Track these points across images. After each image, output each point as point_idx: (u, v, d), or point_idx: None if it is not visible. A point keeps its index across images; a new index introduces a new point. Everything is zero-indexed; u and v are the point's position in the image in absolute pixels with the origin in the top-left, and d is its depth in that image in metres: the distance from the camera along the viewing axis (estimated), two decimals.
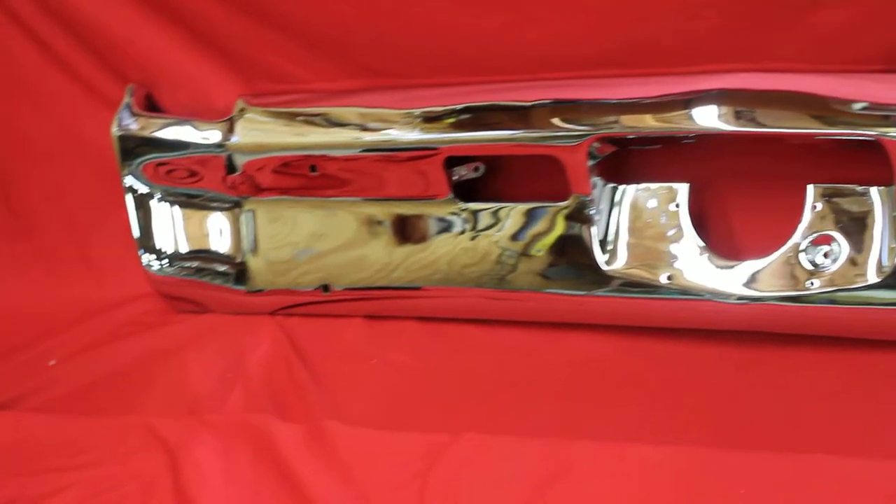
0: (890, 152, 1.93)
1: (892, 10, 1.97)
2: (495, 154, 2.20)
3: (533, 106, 2.13)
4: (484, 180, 2.29)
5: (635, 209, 2.13)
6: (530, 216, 2.20)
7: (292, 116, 2.32)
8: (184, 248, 2.47)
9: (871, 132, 1.93)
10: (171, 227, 2.47)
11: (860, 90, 1.97)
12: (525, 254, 2.21)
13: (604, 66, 2.12)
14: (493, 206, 2.23)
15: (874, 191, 1.99)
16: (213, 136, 2.36)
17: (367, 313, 2.38)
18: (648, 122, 2.06)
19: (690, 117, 2.02)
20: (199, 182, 2.40)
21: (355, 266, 2.35)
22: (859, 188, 2.01)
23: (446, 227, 2.27)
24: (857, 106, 1.94)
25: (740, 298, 2.05)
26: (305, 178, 2.31)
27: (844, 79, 2.00)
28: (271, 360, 2.26)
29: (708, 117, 2.01)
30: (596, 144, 2.09)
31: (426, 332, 2.29)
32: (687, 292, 2.07)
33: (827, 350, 2.05)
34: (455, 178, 2.24)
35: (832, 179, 2.04)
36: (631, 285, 2.12)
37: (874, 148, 1.94)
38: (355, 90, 2.33)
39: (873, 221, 1.99)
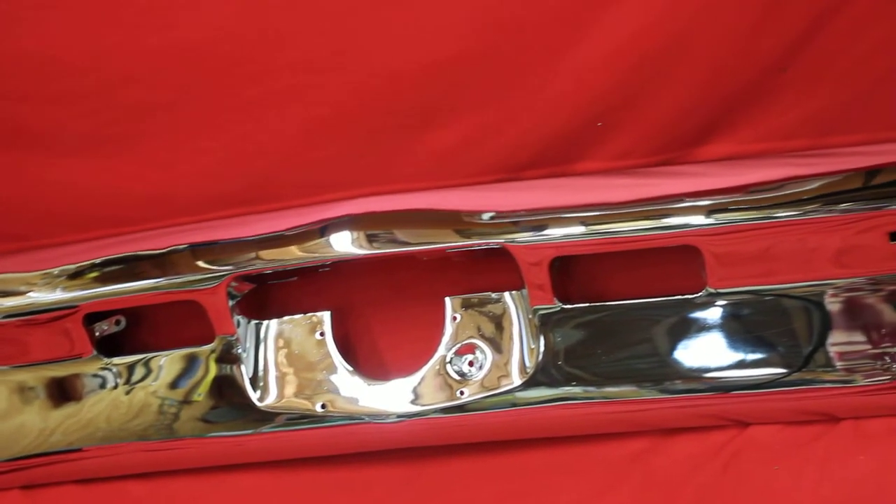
0: (516, 257, 1.98)
1: (501, 124, 2.05)
2: (135, 305, 2.13)
3: (168, 252, 2.10)
4: (130, 331, 2.21)
5: (281, 342, 2.13)
6: (182, 363, 2.16)
7: None
8: None
9: (497, 240, 1.97)
10: None
11: (484, 201, 2.04)
12: (185, 401, 2.16)
13: (229, 206, 2.10)
14: (140, 357, 2.16)
15: (507, 296, 2.06)
16: None
17: (24, 483, 2.25)
18: (285, 255, 2.07)
19: (326, 245, 2.04)
20: None
21: (13, 437, 2.24)
22: (494, 295, 2.07)
23: (99, 385, 2.20)
24: (485, 216, 1.99)
25: (399, 416, 2.05)
26: None
27: (468, 191, 2.08)
28: None
29: (342, 243, 2.04)
30: (234, 283, 2.06)
31: (86, 496, 2.19)
32: (344, 417, 2.07)
33: (487, 455, 2.07)
34: (97, 334, 2.14)
35: (468, 289, 2.10)
36: (287, 418, 2.10)
37: (502, 255, 1.98)
38: None
39: (511, 325, 2.04)
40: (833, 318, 1.93)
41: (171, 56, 2.05)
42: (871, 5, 1.89)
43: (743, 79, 1.97)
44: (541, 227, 1.98)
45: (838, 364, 1.94)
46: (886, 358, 1.90)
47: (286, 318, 2.14)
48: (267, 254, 2.06)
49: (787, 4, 1.90)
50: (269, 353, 2.12)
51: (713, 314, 1.97)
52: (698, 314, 1.97)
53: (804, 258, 1.92)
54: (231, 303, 2.08)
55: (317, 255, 2.04)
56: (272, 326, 2.14)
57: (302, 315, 2.14)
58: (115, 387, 2.18)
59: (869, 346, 1.92)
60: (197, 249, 2.10)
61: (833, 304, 1.92)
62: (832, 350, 1.94)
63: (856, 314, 1.93)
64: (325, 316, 2.12)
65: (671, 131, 2.02)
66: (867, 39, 1.91)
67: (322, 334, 2.10)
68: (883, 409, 1.95)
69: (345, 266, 2.07)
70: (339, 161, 2.08)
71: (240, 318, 2.10)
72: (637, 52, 1.96)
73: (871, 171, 1.89)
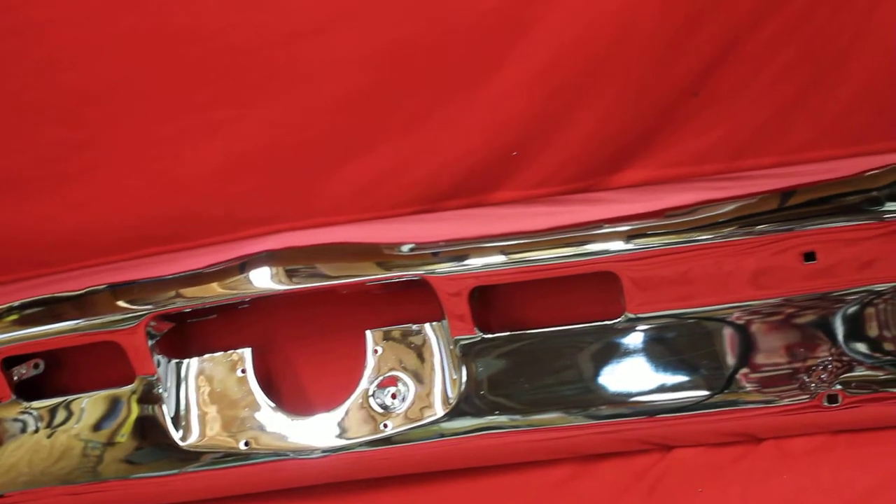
0: (436, 288, 1.98)
1: (417, 156, 2.07)
2: (54, 347, 2.11)
3: (86, 293, 2.09)
4: (50, 374, 2.19)
5: (203, 381, 2.11)
6: (103, 404, 2.15)
7: None
8: None
9: (417, 272, 1.97)
10: None
11: (403, 233, 2.04)
12: (108, 443, 2.14)
13: (150, 245, 2.09)
14: (61, 400, 2.14)
15: (428, 327, 2.06)
16: None
17: None
18: (205, 293, 2.05)
19: (246, 281, 2.03)
20: None
21: None
22: (415, 326, 2.07)
23: (19, 429, 2.18)
24: (404, 248, 1.99)
25: (323, 451, 2.05)
26: None
27: (387, 224, 2.08)
28: None
29: (262, 279, 2.03)
30: (153, 323, 2.05)
31: None
32: (268, 454, 2.06)
33: (412, 487, 2.09)
34: (16, 378, 2.12)
35: (389, 322, 2.09)
36: (211, 457, 2.09)
37: (423, 286, 1.98)
38: None
39: (432, 356, 2.04)
40: (752, 340, 1.95)
41: (88, 95, 2.02)
42: (780, 30, 1.91)
43: (656, 105, 1.99)
44: (460, 257, 1.98)
45: (759, 385, 1.96)
46: (805, 377, 1.91)
47: (207, 356, 2.13)
48: (186, 292, 2.05)
49: (698, 30, 1.92)
50: (191, 392, 2.11)
51: (633, 339, 1.98)
52: (618, 339, 1.99)
53: (721, 281, 1.94)
54: (150, 342, 2.07)
55: (237, 291, 2.03)
56: (193, 365, 2.12)
57: (223, 353, 2.13)
58: (36, 431, 2.15)
59: (788, 366, 1.95)
60: (115, 290, 2.09)
61: (751, 326, 1.94)
62: (752, 371, 1.96)
63: (774, 335, 1.95)
64: (247, 353, 2.11)
65: (587, 159, 2.03)
66: (776, 63, 1.94)
67: (244, 371, 2.09)
68: (803, 429, 1.96)
69: (265, 302, 2.06)
70: (258, 196, 2.07)
71: (160, 357, 2.09)
72: (551, 81, 1.97)
73: (785, 193, 1.92)
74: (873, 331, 1.92)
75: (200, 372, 2.11)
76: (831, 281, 1.91)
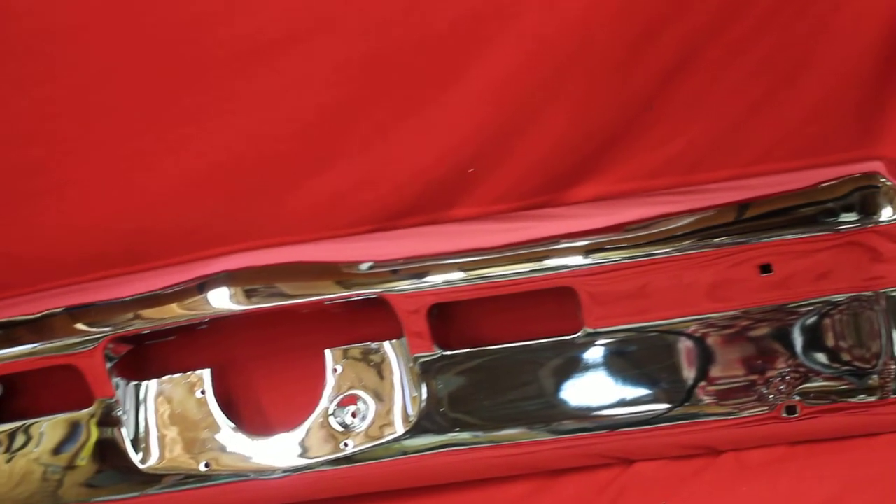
0: (394, 306, 1.98)
1: (373, 174, 2.08)
2: (11, 371, 2.10)
3: (43, 316, 2.07)
4: (8, 399, 2.17)
5: (162, 403, 2.11)
6: (63, 428, 2.13)
7: None
8: None
9: (375, 290, 1.97)
10: None
11: (361, 251, 2.04)
12: (68, 466, 2.13)
13: (107, 267, 2.09)
14: (19, 424, 2.13)
15: (387, 345, 2.06)
16: None
17: None
18: (163, 314, 2.05)
19: (204, 302, 2.03)
20: None
21: None
22: (374, 345, 2.07)
23: None
24: (363, 266, 1.99)
25: (284, 471, 2.05)
26: None
27: (345, 242, 2.08)
28: None
29: (220, 300, 2.02)
30: (111, 345, 2.04)
31: None
32: (229, 475, 2.05)
33: None
34: None
35: (348, 340, 2.10)
36: (171, 479, 2.08)
37: (381, 304, 1.98)
38: None
39: (392, 374, 2.04)
40: (710, 352, 1.95)
41: (44, 115, 2.02)
42: (733, 44, 1.92)
43: (612, 119, 2.00)
44: (418, 274, 1.98)
45: (718, 397, 1.97)
46: (764, 389, 1.92)
47: (166, 377, 2.13)
48: (145, 313, 2.05)
49: (652, 44, 1.93)
50: (150, 414, 2.10)
51: (592, 354, 1.99)
52: (578, 354, 2.00)
53: (679, 294, 1.94)
54: (109, 365, 2.06)
55: (195, 312, 2.03)
56: (152, 387, 2.12)
57: (182, 374, 2.11)
58: None
59: (746, 378, 1.96)
60: (73, 312, 2.08)
61: (710, 339, 1.95)
62: (711, 384, 1.97)
63: (732, 347, 1.96)
64: (206, 374, 2.10)
65: (543, 174, 2.03)
66: (730, 77, 1.95)
67: (203, 392, 2.09)
68: (762, 440, 1.97)
69: (224, 322, 2.06)
70: (217, 216, 2.08)
71: (118, 380, 2.09)
72: (505, 97, 1.98)
73: (742, 206, 1.92)
74: (830, 342, 1.93)
75: (160, 394, 2.10)
76: (788, 292, 1.93)
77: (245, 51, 1.97)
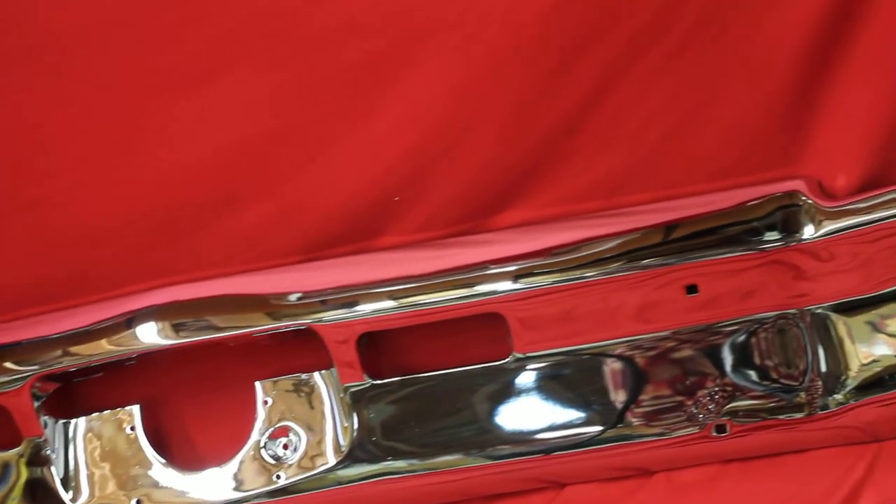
0: (323, 336, 1.99)
1: (299, 205, 2.09)
2: None
3: None
4: None
5: (92, 440, 2.09)
6: None
7: None
8: None
9: (304, 321, 1.97)
10: None
11: (289, 282, 2.04)
12: None
13: (32, 305, 2.10)
14: None
15: (317, 375, 2.06)
16: None
17: None
18: (92, 350, 2.05)
19: (133, 337, 2.02)
20: None
21: None
22: (304, 376, 2.07)
23: None
24: (292, 297, 1.99)
25: None
26: None
27: (272, 274, 2.07)
28: None
29: (149, 334, 2.01)
30: (38, 384, 2.02)
31: None
32: None
33: None
34: None
35: (278, 372, 2.09)
36: None
37: (310, 335, 1.98)
38: None
39: (322, 405, 2.04)
40: (640, 373, 1.97)
41: None
42: (651, 68, 1.94)
43: (535, 144, 2.02)
44: (346, 304, 1.99)
45: (648, 418, 1.98)
46: (693, 408, 1.93)
47: (95, 414, 2.11)
48: (72, 350, 2.04)
49: (572, 71, 1.95)
50: (80, 452, 2.09)
51: (522, 378, 2.00)
52: (508, 379, 2.00)
53: (607, 316, 1.96)
54: (36, 404, 2.04)
55: (124, 348, 2.03)
56: (81, 424, 2.11)
57: (111, 411, 2.10)
58: None
59: (676, 398, 1.97)
60: None
61: (639, 360, 1.97)
62: (641, 405, 1.98)
63: (661, 368, 1.97)
64: (135, 410, 2.10)
65: (468, 201, 2.04)
66: (651, 101, 1.97)
67: (133, 428, 2.08)
68: (694, 459, 1.98)
69: (152, 357, 2.05)
70: (145, 251, 2.08)
71: (47, 418, 2.07)
72: (428, 124, 2.00)
73: (666, 227, 1.93)
74: (758, 360, 1.95)
75: (89, 431, 2.09)
76: (714, 312, 1.94)
77: (168, 87, 1.97)
